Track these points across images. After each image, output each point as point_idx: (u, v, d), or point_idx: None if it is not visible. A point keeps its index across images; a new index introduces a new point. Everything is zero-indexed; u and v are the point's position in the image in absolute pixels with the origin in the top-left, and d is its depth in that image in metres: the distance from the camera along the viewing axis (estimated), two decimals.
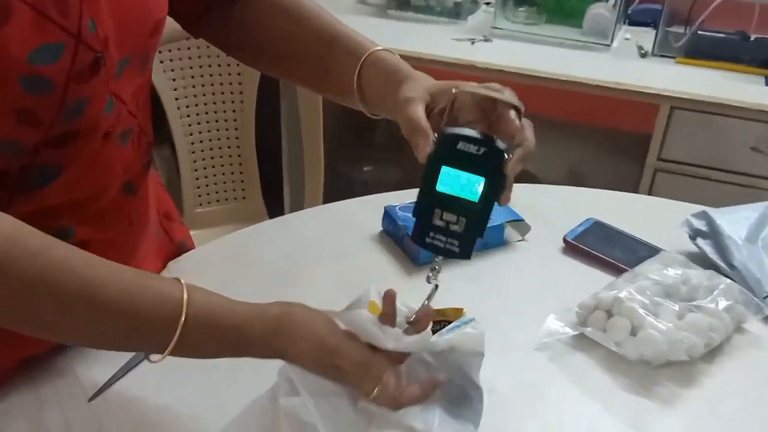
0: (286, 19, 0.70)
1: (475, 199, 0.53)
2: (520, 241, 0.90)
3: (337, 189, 1.98)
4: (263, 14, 0.71)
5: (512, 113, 0.55)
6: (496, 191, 0.53)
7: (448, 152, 0.53)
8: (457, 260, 0.54)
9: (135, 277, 0.52)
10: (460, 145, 0.52)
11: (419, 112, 0.57)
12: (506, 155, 0.53)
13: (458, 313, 0.63)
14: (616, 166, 1.94)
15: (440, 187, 0.53)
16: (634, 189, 1.53)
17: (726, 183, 1.42)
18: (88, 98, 0.57)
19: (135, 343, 0.54)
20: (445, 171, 0.53)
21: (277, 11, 0.70)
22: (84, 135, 0.59)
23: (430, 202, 0.54)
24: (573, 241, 0.88)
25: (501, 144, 0.53)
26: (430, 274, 0.56)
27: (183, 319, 0.51)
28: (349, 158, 2.00)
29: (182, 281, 0.53)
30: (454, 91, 0.57)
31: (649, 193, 1.48)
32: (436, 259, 0.56)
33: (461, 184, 0.53)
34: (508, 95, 0.56)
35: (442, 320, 0.59)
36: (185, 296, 0.51)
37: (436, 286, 0.56)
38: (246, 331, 0.53)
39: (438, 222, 0.54)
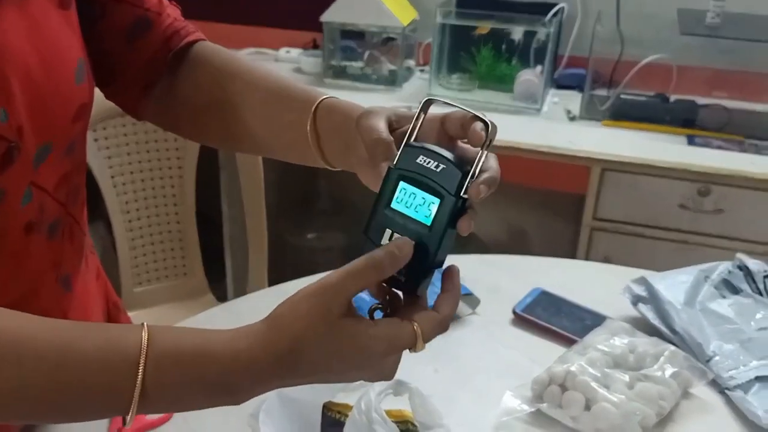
0: (230, 79, 0.67)
1: (428, 222, 0.48)
2: (471, 314, 0.91)
3: (282, 258, 1.96)
4: (205, 81, 0.68)
5: (480, 125, 0.50)
6: (452, 216, 0.48)
7: (407, 166, 0.49)
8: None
9: (77, 326, 0.46)
10: (420, 159, 0.48)
11: (380, 123, 0.53)
12: (468, 177, 0.48)
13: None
14: (555, 226, 2.00)
15: (394, 205, 0.49)
16: (573, 247, 1.58)
17: (659, 239, 1.48)
18: (3, 190, 0.54)
19: (82, 407, 0.46)
20: (402, 187, 0.49)
21: (218, 74, 0.68)
22: (1, 229, 0.56)
23: (381, 219, 0.49)
24: (522, 313, 0.90)
25: (463, 166, 0.48)
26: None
27: (143, 361, 0.44)
28: (292, 226, 1.99)
29: (145, 324, 0.46)
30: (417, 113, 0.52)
31: (588, 251, 1.53)
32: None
33: (416, 203, 0.48)
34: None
35: (406, 421, 0.59)
36: (145, 336, 0.45)
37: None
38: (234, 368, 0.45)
39: (386, 242, 0.48)
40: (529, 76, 1.69)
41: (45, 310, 0.64)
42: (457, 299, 0.50)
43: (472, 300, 0.91)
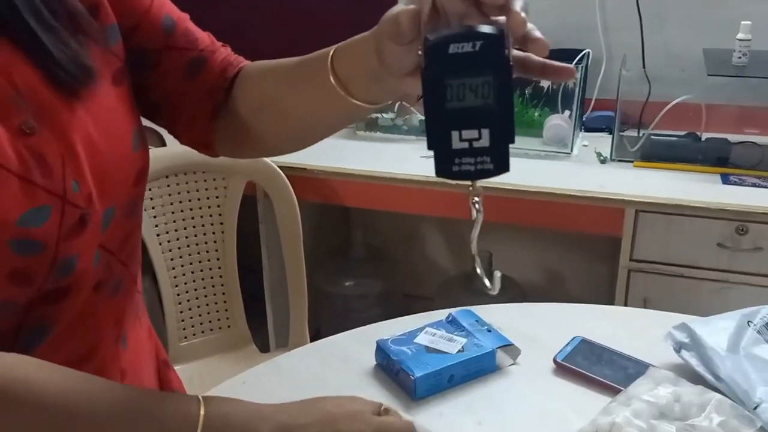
0: (263, 78, 0.72)
1: (493, 102, 0.46)
2: (512, 365, 0.92)
3: (320, 305, 1.99)
4: (248, 90, 0.72)
5: None
6: (509, 82, 0.46)
7: (444, 62, 0.46)
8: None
9: (140, 397, 0.59)
10: (452, 49, 0.45)
11: (396, 9, 0.50)
12: (506, 36, 0.46)
13: None
14: (592, 268, 2.00)
15: (449, 105, 0.46)
16: (612, 289, 1.58)
17: (698, 279, 1.47)
18: (77, 254, 0.59)
19: None
20: (448, 84, 0.46)
21: (256, 80, 0.72)
22: (75, 289, 0.61)
23: (443, 126, 0.47)
24: (563, 362, 0.90)
25: (493, 29, 0.46)
26: (475, 204, 0.50)
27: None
28: (329, 275, 2.02)
29: (200, 397, 0.59)
30: None
31: (626, 293, 1.52)
32: (471, 187, 0.49)
33: (470, 92, 0.46)
34: None
35: None
36: (202, 411, 0.59)
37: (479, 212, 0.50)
38: None
39: (459, 145, 0.47)
40: (558, 121, 1.71)
41: (103, 367, 0.68)
42: None
43: (512, 350, 0.92)
